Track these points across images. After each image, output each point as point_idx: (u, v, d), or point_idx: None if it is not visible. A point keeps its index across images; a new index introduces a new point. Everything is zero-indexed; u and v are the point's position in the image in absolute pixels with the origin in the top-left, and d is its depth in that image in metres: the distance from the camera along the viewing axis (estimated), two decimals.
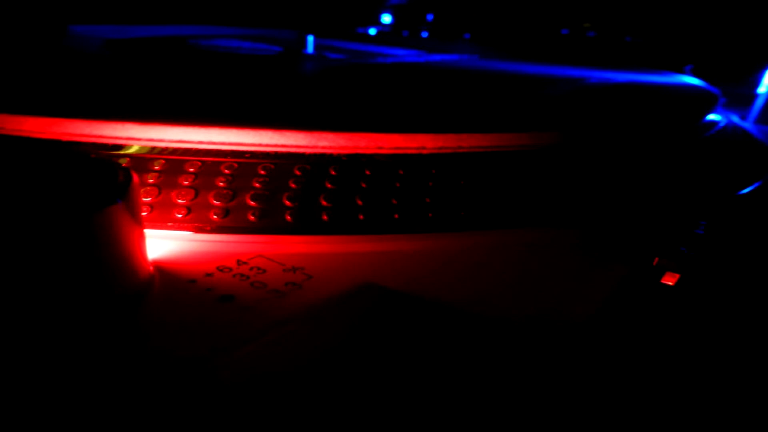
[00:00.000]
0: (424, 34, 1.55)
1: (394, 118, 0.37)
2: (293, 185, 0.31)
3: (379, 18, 1.55)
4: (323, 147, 0.33)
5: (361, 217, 0.31)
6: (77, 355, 0.20)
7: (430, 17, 1.57)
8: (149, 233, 0.27)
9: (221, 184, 0.31)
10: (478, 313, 0.25)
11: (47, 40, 0.64)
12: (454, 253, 0.30)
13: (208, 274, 0.26)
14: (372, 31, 1.48)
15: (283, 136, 0.32)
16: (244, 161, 0.32)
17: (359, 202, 0.31)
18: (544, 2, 1.43)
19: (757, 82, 0.72)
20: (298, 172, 0.32)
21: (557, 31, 1.42)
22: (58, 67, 0.53)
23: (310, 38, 0.77)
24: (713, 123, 0.53)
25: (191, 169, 0.31)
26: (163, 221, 0.30)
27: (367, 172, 0.32)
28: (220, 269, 0.27)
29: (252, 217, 0.30)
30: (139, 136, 0.32)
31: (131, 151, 0.32)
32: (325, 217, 0.31)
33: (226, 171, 0.31)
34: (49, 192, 0.21)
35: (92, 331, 0.21)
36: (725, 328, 0.26)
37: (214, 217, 0.30)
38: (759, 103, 0.71)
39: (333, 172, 0.32)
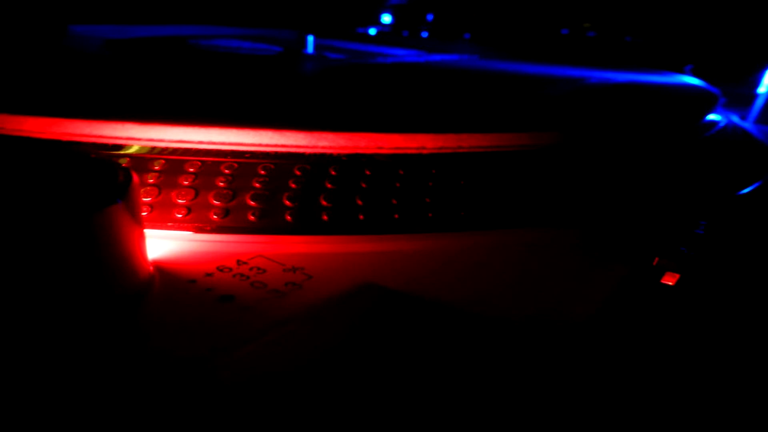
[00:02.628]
0: (424, 34, 1.55)
1: (394, 118, 0.37)
2: (293, 185, 0.31)
3: (379, 18, 1.55)
4: (323, 147, 0.33)
5: (361, 217, 0.31)
6: (77, 355, 0.20)
7: (430, 17, 1.57)
8: (149, 233, 0.27)
9: (221, 184, 0.31)
10: (478, 313, 0.25)
11: (47, 40, 0.64)
12: (454, 253, 0.30)
13: (208, 274, 0.26)
14: (372, 31, 1.48)
15: (283, 136, 0.32)
16: (244, 161, 0.32)
17: (359, 202, 0.31)
18: (544, 2, 1.43)
19: (757, 82, 0.72)
20: (298, 172, 0.32)
21: (557, 31, 1.42)
22: (58, 67, 0.53)
23: (310, 38, 0.77)
24: (713, 123, 0.53)
25: (191, 169, 0.31)
26: (163, 221, 0.30)
27: (367, 172, 0.32)
28: (220, 269, 0.27)
29: (252, 217, 0.30)
30: (139, 136, 0.32)
31: (131, 151, 0.32)
32: (325, 217, 0.31)
33: (226, 171, 0.31)
34: (49, 192, 0.21)
35: (92, 331, 0.21)
36: (725, 328, 0.26)
37: (214, 217, 0.30)
38: (759, 103, 0.71)
39: (333, 172, 0.32)
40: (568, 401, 0.21)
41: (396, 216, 0.32)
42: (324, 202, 0.31)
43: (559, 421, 0.20)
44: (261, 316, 0.23)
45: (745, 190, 0.43)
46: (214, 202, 0.30)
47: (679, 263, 0.29)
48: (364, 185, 0.32)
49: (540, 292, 0.27)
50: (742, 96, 0.75)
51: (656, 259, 0.29)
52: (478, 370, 0.21)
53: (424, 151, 0.34)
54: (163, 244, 0.29)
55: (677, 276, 0.28)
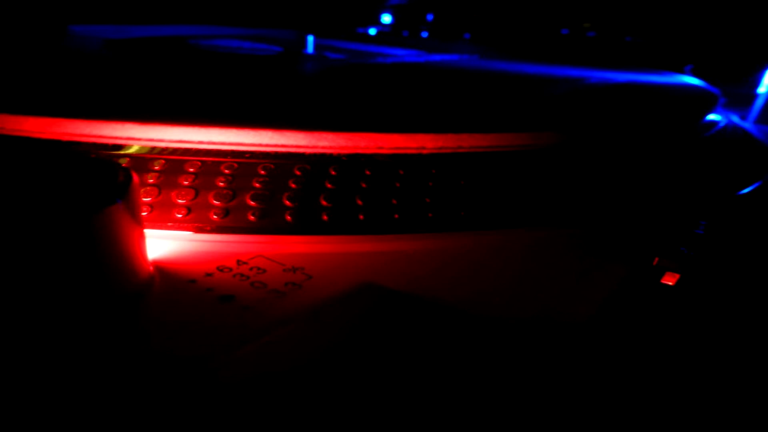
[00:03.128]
0: (424, 34, 1.54)
1: (394, 118, 0.37)
2: (293, 185, 0.31)
3: (379, 18, 1.55)
4: (323, 147, 0.33)
5: (361, 217, 0.31)
6: (77, 354, 0.20)
7: (430, 17, 1.57)
8: (149, 233, 0.27)
9: (221, 184, 0.31)
10: (478, 313, 0.25)
11: (47, 40, 0.64)
12: (454, 253, 0.30)
13: (208, 274, 0.26)
14: (372, 31, 1.48)
15: (283, 136, 0.32)
16: (244, 161, 0.32)
17: (359, 202, 0.31)
18: (544, 2, 1.43)
19: (757, 82, 0.72)
20: (298, 172, 0.32)
21: (557, 31, 1.42)
22: (58, 67, 0.53)
23: (310, 38, 0.77)
24: (713, 123, 0.53)
25: (191, 169, 0.31)
26: (163, 221, 0.30)
27: (367, 172, 0.32)
28: (220, 269, 0.27)
29: (252, 217, 0.30)
30: (139, 136, 0.32)
31: (131, 151, 0.32)
32: (325, 217, 0.31)
33: (226, 171, 0.31)
34: (49, 192, 0.21)
35: (92, 330, 0.21)
36: (725, 328, 0.26)
37: (214, 217, 0.30)
38: (759, 103, 0.72)
39: (333, 172, 0.32)
40: (569, 401, 0.21)
41: (396, 216, 0.32)
42: (324, 202, 0.31)
43: (560, 421, 0.20)
44: (261, 316, 0.23)
45: (745, 190, 0.43)
46: (214, 202, 0.30)
47: (679, 263, 0.29)
48: (364, 185, 0.32)
49: (540, 292, 0.27)
50: (742, 96, 0.75)
51: (656, 259, 0.29)
52: (479, 370, 0.21)
53: (424, 151, 0.34)
54: (163, 244, 0.29)
55: (677, 276, 0.28)
